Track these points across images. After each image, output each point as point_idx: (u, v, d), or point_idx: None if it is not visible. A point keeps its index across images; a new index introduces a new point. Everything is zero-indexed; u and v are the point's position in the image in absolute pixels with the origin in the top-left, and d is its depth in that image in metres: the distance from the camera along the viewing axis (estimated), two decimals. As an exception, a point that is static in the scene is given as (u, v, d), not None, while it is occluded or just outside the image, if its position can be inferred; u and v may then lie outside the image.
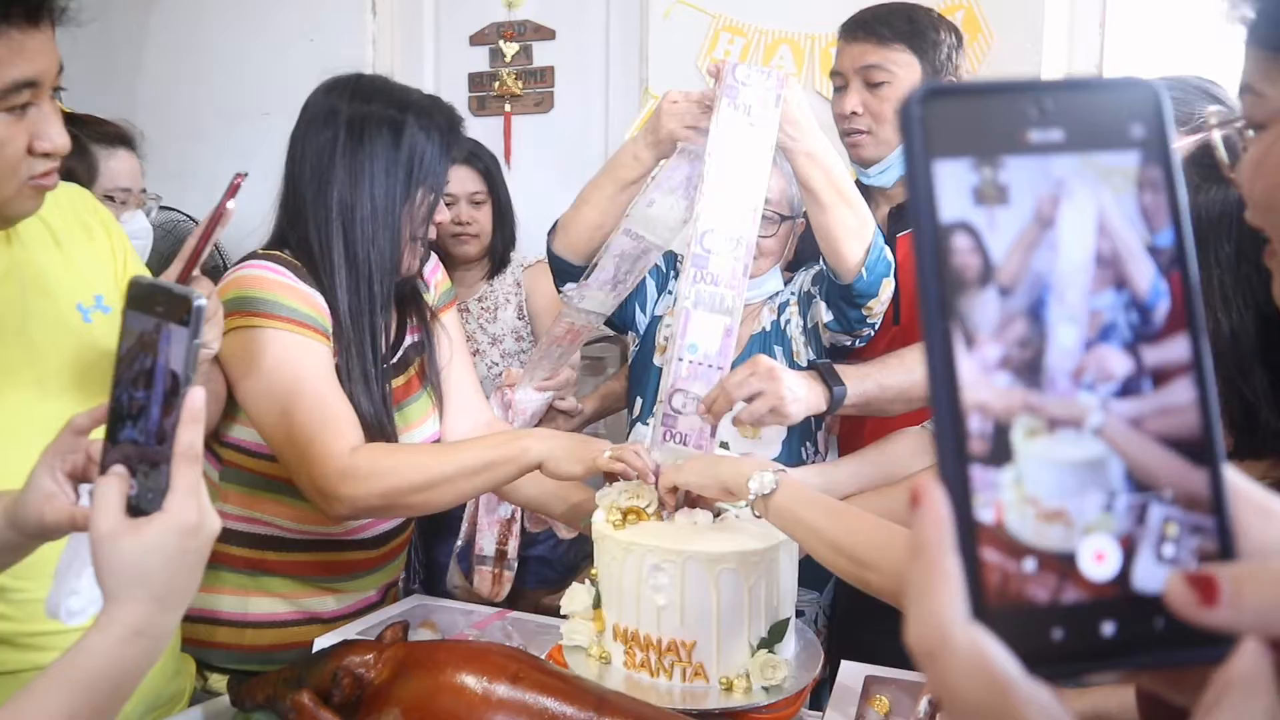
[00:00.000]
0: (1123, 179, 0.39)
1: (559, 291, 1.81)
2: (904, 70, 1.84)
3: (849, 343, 1.75)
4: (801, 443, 1.78)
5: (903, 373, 1.62)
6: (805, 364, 1.79)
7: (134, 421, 0.77)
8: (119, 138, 2.31)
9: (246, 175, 1.09)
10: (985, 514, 0.38)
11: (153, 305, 0.77)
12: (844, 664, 1.41)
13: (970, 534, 0.37)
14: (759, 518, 1.26)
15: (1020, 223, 0.38)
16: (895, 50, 1.85)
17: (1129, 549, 0.38)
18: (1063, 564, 0.38)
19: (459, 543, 2.00)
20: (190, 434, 0.74)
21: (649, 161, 1.58)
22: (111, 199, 2.24)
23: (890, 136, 1.85)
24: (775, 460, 1.70)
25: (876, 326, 1.73)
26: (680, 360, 1.44)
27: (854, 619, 1.81)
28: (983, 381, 0.38)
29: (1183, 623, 0.37)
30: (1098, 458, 0.38)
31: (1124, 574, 0.38)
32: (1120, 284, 0.39)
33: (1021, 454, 0.38)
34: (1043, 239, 0.39)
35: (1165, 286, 0.39)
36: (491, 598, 1.81)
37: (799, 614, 1.37)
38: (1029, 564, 0.38)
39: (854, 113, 1.84)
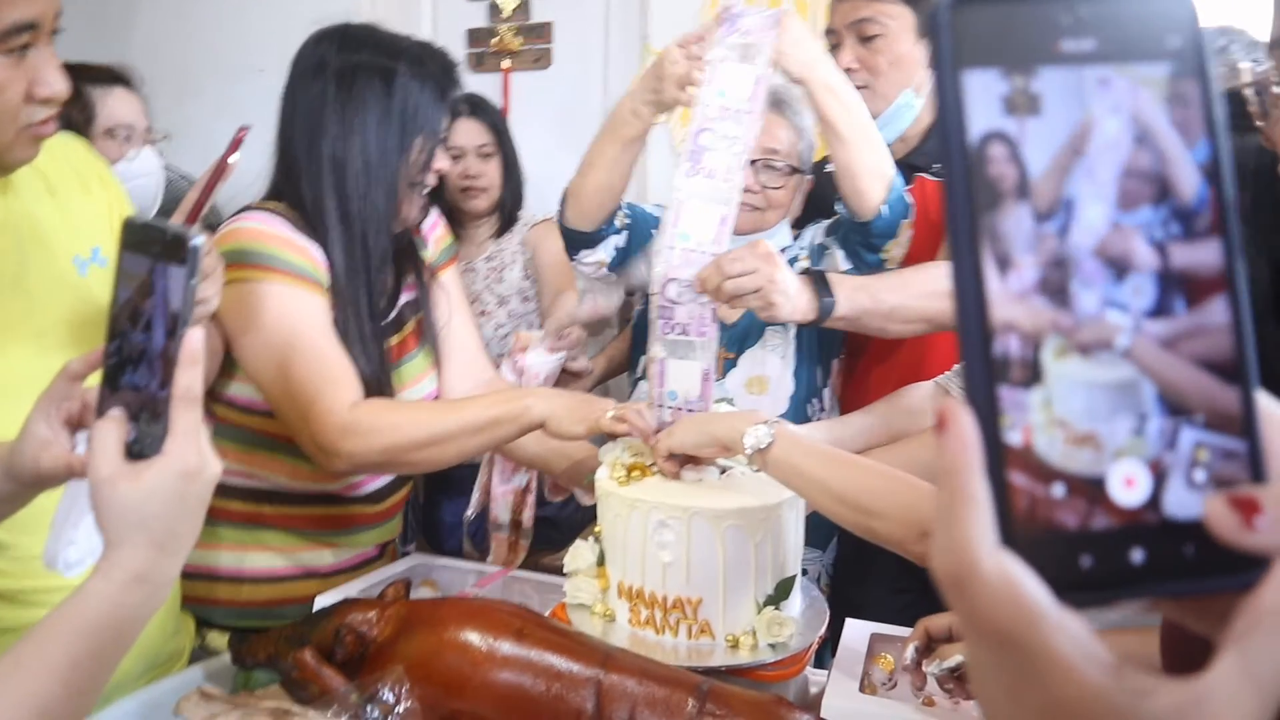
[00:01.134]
0: (1158, 90, 0.38)
1: (571, 260, 1.79)
2: (896, 21, 1.81)
3: None
4: (808, 399, 1.76)
5: (900, 289, 1.57)
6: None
7: (131, 366, 0.75)
8: (113, 77, 2.28)
9: (249, 129, 1.06)
10: (1013, 436, 0.36)
11: (148, 246, 0.74)
12: (849, 622, 1.41)
13: (998, 457, 0.36)
14: (758, 472, 1.24)
15: (1053, 134, 0.37)
16: (886, 2, 1.81)
17: (1159, 474, 0.37)
18: (1092, 489, 0.36)
19: (470, 513, 1.99)
20: (188, 376, 0.72)
21: (648, 118, 1.55)
22: (113, 136, 2.21)
23: (888, 90, 1.82)
24: (782, 416, 1.69)
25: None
26: (672, 249, 1.40)
27: (858, 577, 1.80)
28: (1012, 299, 0.36)
29: (1213, 549, 0.36)
30: (1129, 380, 0.37)
31: (1154, 499, 0.37)
32: (1155, 199, 0.37)
33: (1051, 375, 0.36)
34: (1076, 151, 0.37)
35: (1201, 201, 0.38)
36: (506, 566, 1.80)
37: (803, 572, 1.36)
38: (1058, 489, 0.36)
39: (849, 69, 1.80)
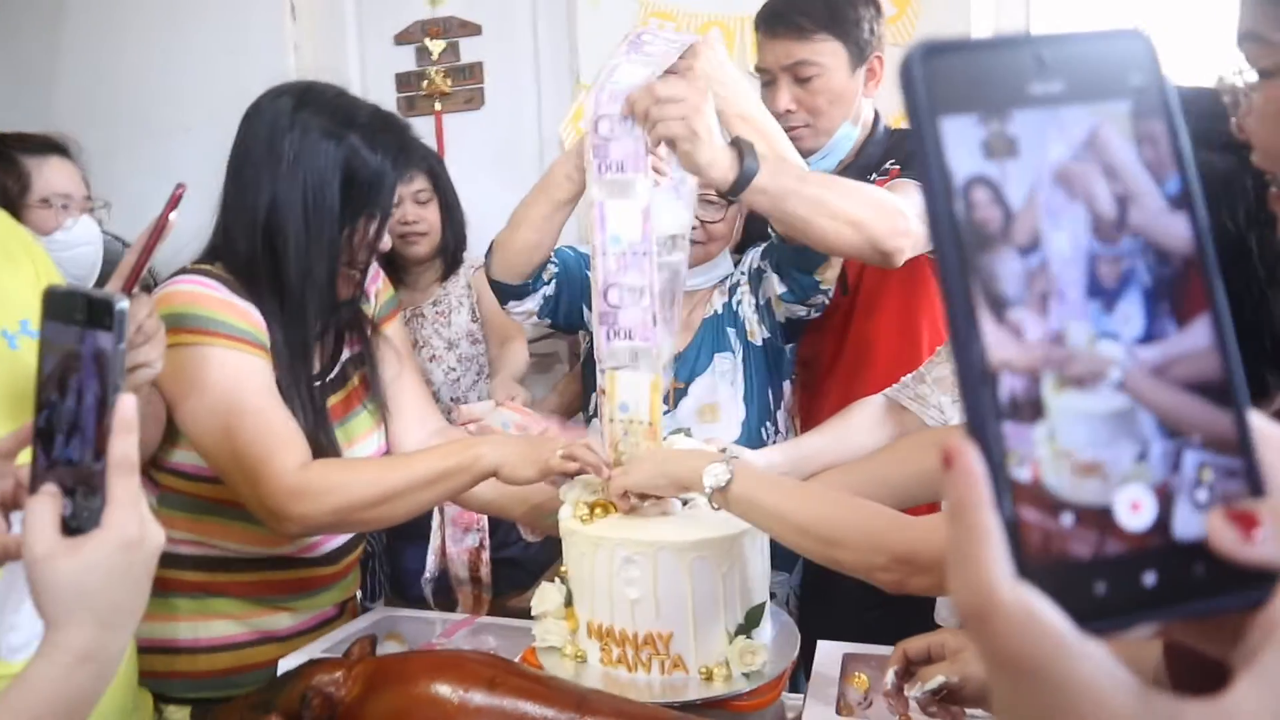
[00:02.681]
0: (1125, 126, 0.39)
1: (502, 307, 1.77)
2: (830, 59, 1.83)
3: (804, 313, 1.74)
4: (761, 423, 1.77)
5: (828, 185, 1.51)
6: (760, 342, 1.77)
7: (63, 438, 0.72)
8: (48, 146, 2.24)
9: (185, 187, 1.04)
10: (1021, 472, 0.37)
11: (72, 313, 0.72)
12: (820, 644, 1.41)
13: (1007, 494, 0.36)
14: (718, 509, 1.23)
15: (1032, 174, 0.38)
16: (818, 41, 1.82)
17: (1165, 497, 0.37)
18: (1101, 517, 0.37)
19: (428, 575, 1.98)
20: (124, 444, 0.70)
21: (581, 181, 1.53)
22: (49, 205, 2.17)
23: (829, 125, 1.85)
24: (736, 442, 1.69)
25: (830, 294, 1.71)
26: (601, 90, 1.40)
27: (825, 598, 1.80)
28: (1007, 338, 0.37)
29: (1223, 566, 0.36)
30: (1126, 408, 0.38)
31: (1161, 522, 0.37)
32: (1134, 231, 0.39)
33: (1052, 409, 0.37)
34: (1056, 190, 0.38)
35: (1177, 231, 0.39)
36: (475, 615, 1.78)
37: (770, 596, 1.36)
38: (1067, 519, 0.37)
39: (788, 110, 1.82)
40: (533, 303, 1.73)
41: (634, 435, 1.42)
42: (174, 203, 1.00)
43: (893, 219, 1.50)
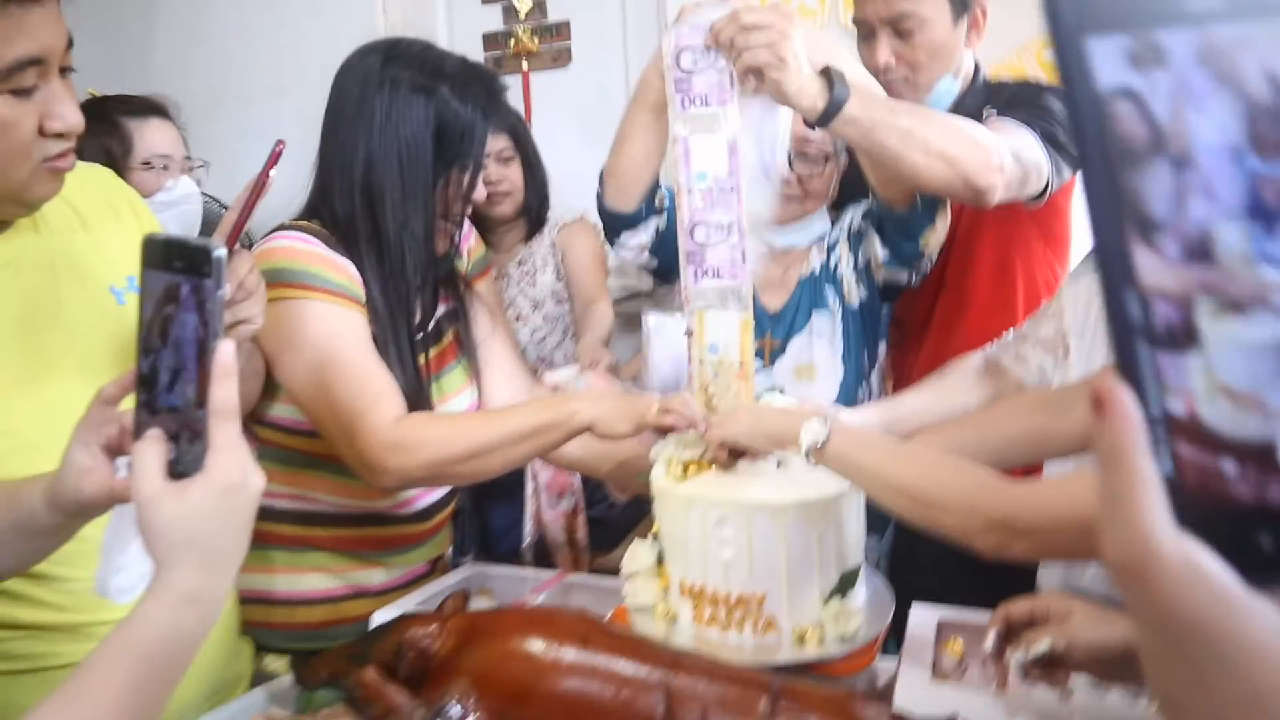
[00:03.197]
0: None
1: (612, 245, 1.76)
2: (933, 10, 1.75)
3: (904, 279, 1.69)
4: (858, 384, 1.73)
5: (921, 117, 1.47)
6: (857, 304, 1.73)
7: (165, 385, 0.74)
8: (150, 108, 2.30)
9: (285, 144, 1.04)
10: (1176, 405, 0.34)
11: (170, 262, 0.73)
12: (914, 608, 1.37)
13: (1164, 436, 0.33)
14: (814, 466, 1.21)
15: (1183, 85, 0.34)
16: None
17: None
18: (1263, 457, 0.33)
19: (526, 541, 2.00)
20: (224, 390, 0.71)
21: None
22: (151, 166, 2.23)
23: (929, 80, 1.78)
24: (833, 402, 1.66)
25: (933, 259, 1.67)
26: (682, 25, 1.38)
27: (916, 562, 1.76)
28: (1159, 262, 0.34)
29: None
30: None
31: None
32: None
33: (1208, 338, 0.34)
34: (1209, 101, 0.34)
35: None
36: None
37: (862, 560, 1.33)
38: (1228, 461, 0.33)
39: (887, 65, 1.76)
40: (645, 233, 1.71)
41: (724, 377, 1.40)
42: (274, 159, 1.00)
43: (986, 154, 1.46)
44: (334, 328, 1.37)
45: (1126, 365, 0.34)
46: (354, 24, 3.01)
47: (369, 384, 1.36)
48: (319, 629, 1.53)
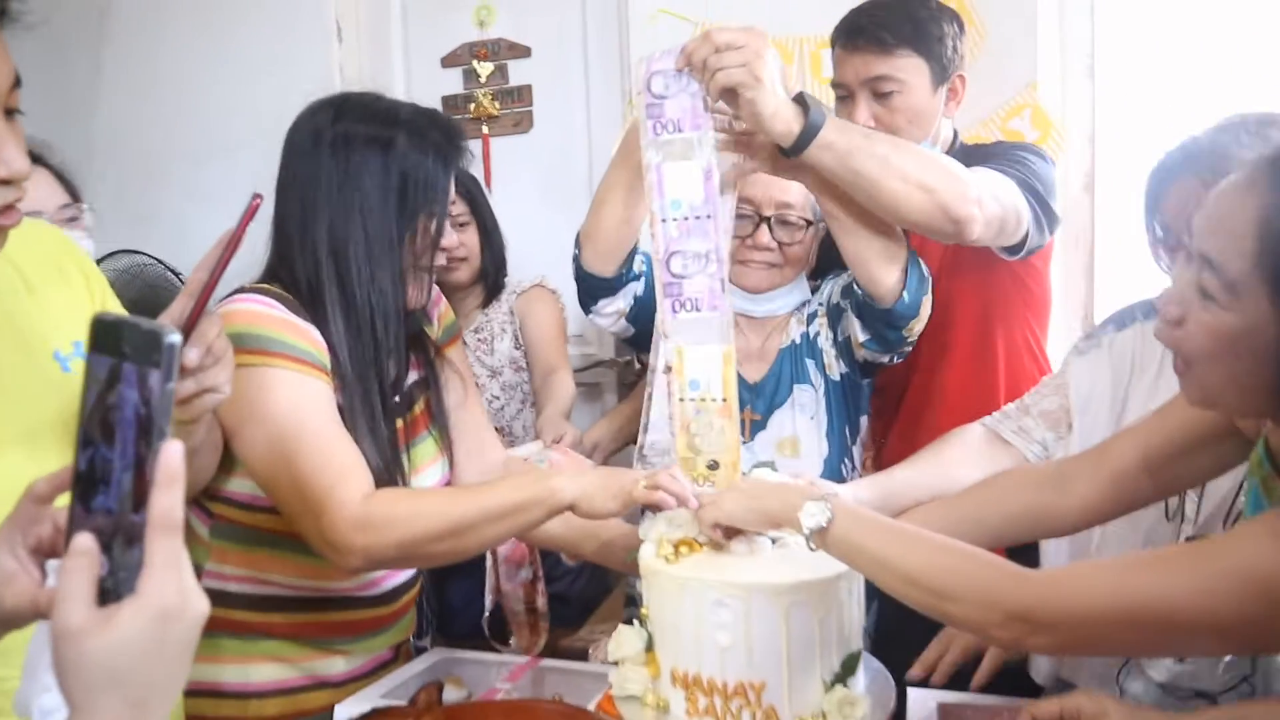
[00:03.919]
0: None
1: (587, 312, 1.70)
2: (912, 76, 1.75)
3: (887, 359, 1.66)
4: (841, 459, 1.68)
5: (897, 146, 1.44)
6: (838, 377, 1.69)
7: (103, 484, 0.64)
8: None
9: (263, 199, 0.97)
10: None
11: (118, 345, 0.64)
12: (912, 693, 1.32)
13: None
14: (815, 551, 1.14)
15: None
16: (901, 56, 1.74)
17: None
18: None
19: (486, 613, 1.92)
20: (167, 499, 0.62)
21: None
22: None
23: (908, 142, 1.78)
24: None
25: (914, 343, 1.64)
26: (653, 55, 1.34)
27: (903, 639, 1.70)
28: None
29: None
30: None
31: None
32: None
33: None
34: None
35: None
36: (530, 649, 1.70)
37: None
38: None
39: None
40: (623, 300, 1.66)
41: (706, 414, 1.33)
42: (250, 214, 0.92)
43: (964, 185, 1.44)
44: (297, 397, 1.29)
45: None
46: (310, 83, 2.94)
47: (334, 458, 1.28)
48: (272, 724, 1.42)
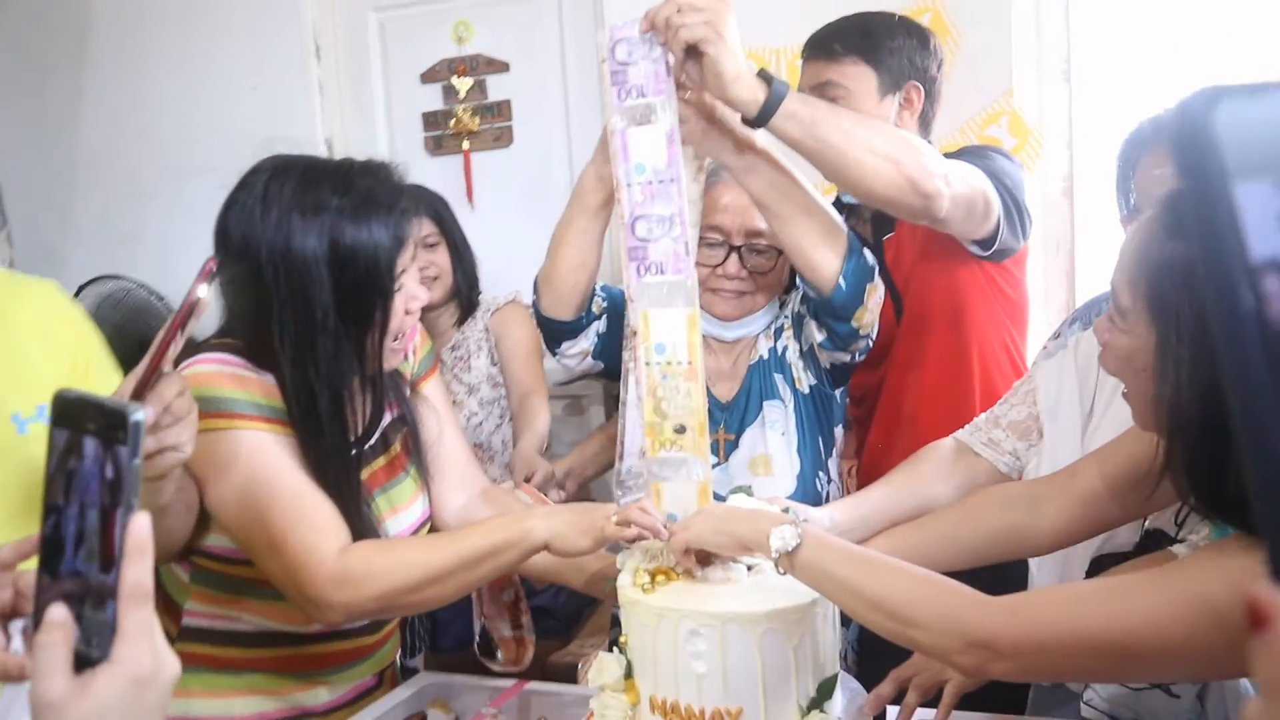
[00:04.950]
0: None
1: (553, 354, 1.71)
2: (856, 83, 1.80)
3: (848, 359, 1.67)
4: (814, 474, 1.69)
5: (861, 121, 1.47)
6: (808, 389, 1.70)
7: (70, 552, 0.66)
8: None
9: (216, 262, 0.98)
10: None
11: (83, 421, 0.66)
12: (891, 711, 1.33)
13: None
14: (783, 574, 1.16)
15: None
16: (846, 64, 1.81)
17: None
18: None
19: (476, 638, 1.94)
20: (137, 570, 0.64)
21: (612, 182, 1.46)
22: None
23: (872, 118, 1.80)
24: (791, 495, 1.62)
25: (872, 338, 1.64)
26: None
27: (887, 654, 1.71)
28: None
29: None
30: None
31: None
32: None
33: None
34: None
35: None
36: (518, 664, 1.71)
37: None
38: None
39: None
40: (586, 340, 1.67)
41: (673, 378, 1.34)
42: (204, 276, 0.93)
43: (929, 160, 1.46)
44: (264, 458, 1.29)
45: None
46: (290, 101, 2.97)
47: (307, 515, 1.28)
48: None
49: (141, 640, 0.64)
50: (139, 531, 0.64)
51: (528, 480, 2.03)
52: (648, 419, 1.37)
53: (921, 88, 1.86)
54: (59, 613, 0.65)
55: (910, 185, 1.43)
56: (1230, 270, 0.29)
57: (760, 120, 1.36)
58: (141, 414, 0.65)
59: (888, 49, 1.82)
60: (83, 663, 0.64)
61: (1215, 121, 0.30)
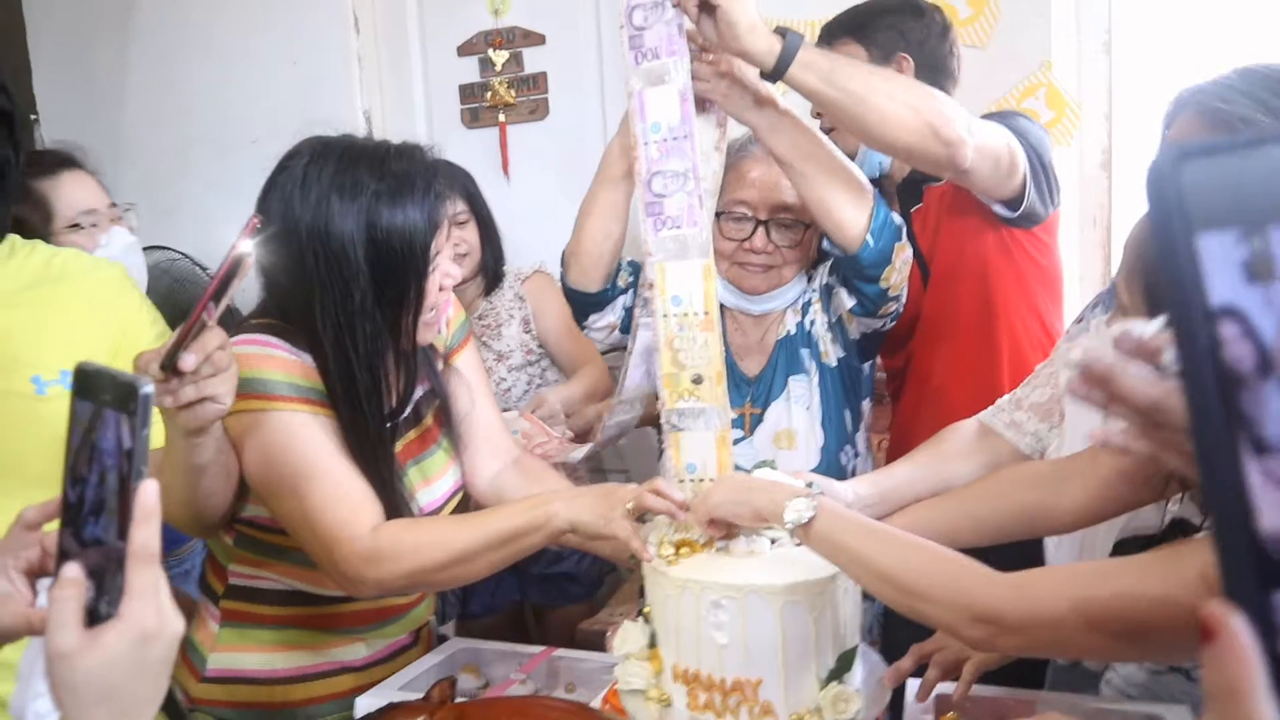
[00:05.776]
0: None
1: (581, 327, 1.74)
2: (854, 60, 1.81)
3: (878, 325, 1.68)
4: (840, 448, 1.70)
5: (880, 74, 1.51)
6: (835, 363, 1.71)
7: (89, 516, 0.71)
8: (59, 161, 2.02)
9: (260, 219, 1.02)
10: None
11: (98, 393, 0.71)
12: (911, 683, 1.35)
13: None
14: (799, 545, 1.18)
15: None
16: (839, 46, 1.87)
17: None
18: None
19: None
20: (144, 533, 0.68)
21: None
22: (79, 227, 1.98)
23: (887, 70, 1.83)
24: (815, 469, 1.64)
25: (902, 300, 1.65)
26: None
27: (913, 626, 1.73)
28: (1277, 492, 0.31)
29: None
30: None
31: None
32: None
33: None
34: None
35: None
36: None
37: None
38: None
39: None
40: (613, 314, 1.69)
41: (689, 329, 1.39)
42: (248, 231, 0.97)
43: (945, 106, 1.47)
44: (301, 439, 1.32)
45: (1243, 598, 0.31)
46: (329, 74, 3.00)
47: (341, 494, 1.32)
48: (299, 707, 1.48)
49: (148, 598, 0.69)
50: (147, 498, 0.68)
51: (533, 412, 2.07)
52: (665, 370, 1.41)
53: (910, 59, 1.88)
54: (72, 570, 0.70)
55: (932, 131, 1.43)
56: (1190, 315, 0.31)
57: (778, 71, 1.38)
58: (150, 387, 0.69)
59: (878, 25, 1.89)
60: (95, 619, 0.69)
61: (1181, 177, 0.32)
